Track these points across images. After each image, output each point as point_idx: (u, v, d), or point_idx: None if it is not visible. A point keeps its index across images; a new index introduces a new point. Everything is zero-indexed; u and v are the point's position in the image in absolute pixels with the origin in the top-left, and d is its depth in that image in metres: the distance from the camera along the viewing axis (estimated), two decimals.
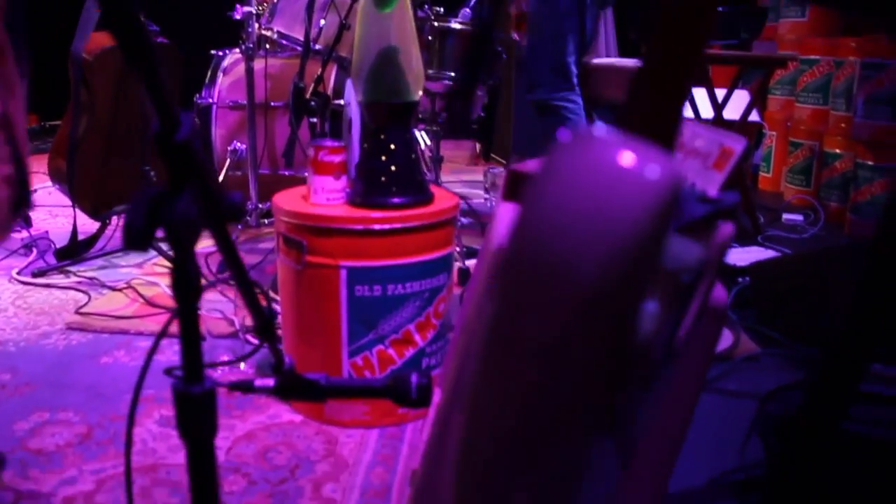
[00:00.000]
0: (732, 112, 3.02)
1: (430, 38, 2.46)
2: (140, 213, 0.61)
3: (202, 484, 0.68)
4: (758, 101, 3.20)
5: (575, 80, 2.58)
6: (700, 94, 3.00)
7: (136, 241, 0.61)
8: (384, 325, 1.43)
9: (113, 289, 2.20)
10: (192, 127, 0.59)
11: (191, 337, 0.65)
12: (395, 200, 1.43)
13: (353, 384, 1.10)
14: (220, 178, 2.68)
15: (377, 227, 1.38)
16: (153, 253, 2.46)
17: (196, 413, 0.66)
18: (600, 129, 0.30)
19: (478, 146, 4.42)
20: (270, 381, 1.05)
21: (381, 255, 1.39)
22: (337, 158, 1.46)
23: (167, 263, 2.38)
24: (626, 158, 0.29)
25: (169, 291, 2.13)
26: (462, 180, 3.78)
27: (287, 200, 1.48)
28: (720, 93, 2.99)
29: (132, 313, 2.02)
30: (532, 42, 2.60)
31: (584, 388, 0.30)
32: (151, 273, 2.33)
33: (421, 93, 1.48)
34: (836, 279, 1.87)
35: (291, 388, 1.02)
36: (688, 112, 3.34)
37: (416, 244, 1.42)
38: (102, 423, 1.48)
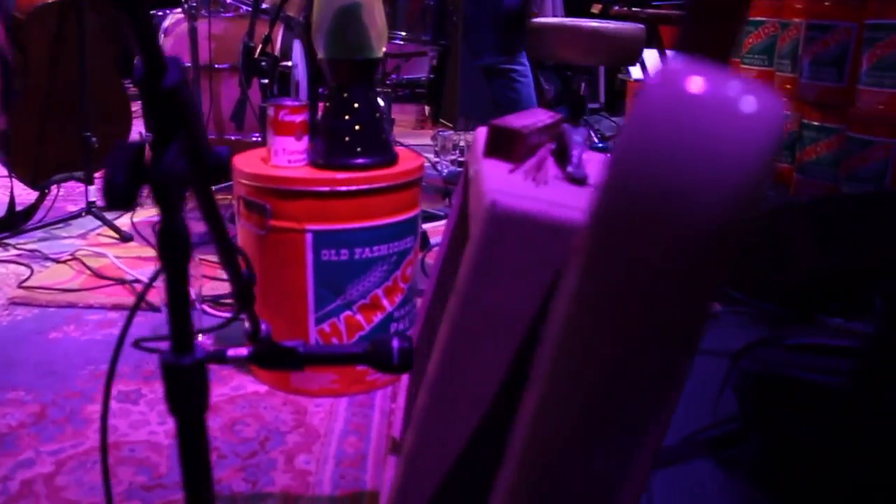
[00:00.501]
0: None
1: None
2: (121, 168, 0.56)
3: (194, 461, 0.63)
4: None
5: (520, 43, 2.55)
6: (651, 55, 3.00)
7: (119, 199, 0.56)
8: (352, 290, 1.38)
9: (56, 261, 2.10)
10: (180, 73, 0.54)
11: (179, 305, 0.60)
12: (360, 161, 1.38)
13: (333, 351, 1.06)
14: None
15: (344, 188, 1.33)
16: (97, 223, 2.36)
17: (187, 386, 0.61)
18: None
19: (426, 109, 4.37)
20: (244, 351, 1.00)
21: (348, 218, 1.35)
22: (298, 118, 1.40)
23: (112, 233, 2.28)
24: (742, 95, 0.26)
25: (117, 262, 2.05)
26: (409, 143, 3.72)
27: (247, 163, 1.42)
28: (670, 55, 2.99)
29: (79, 286, 1.93)
30: (472, 7, 2.55)
31: (687, 334, 0.28)
32: (97, 244, 2.23)
33: (384, 49, 1.43)
34: (791, 235, 1.90)
35: (268, 356, 0.98)
36: (638, 73, 3.34)
37: (384, 206, 1.38)
38: (57, 401, 1.41)
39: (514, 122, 1.01)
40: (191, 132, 0.57)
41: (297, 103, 1.40)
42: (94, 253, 2.13)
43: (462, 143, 3.39)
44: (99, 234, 2.33)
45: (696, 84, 0.25)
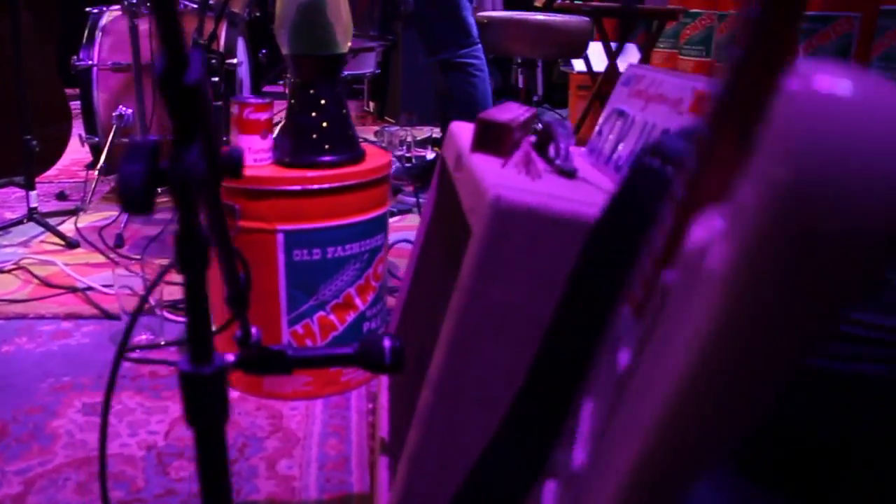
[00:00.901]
0: (622, 65, 3.07)
1: None
2: (137, 169, 0.53)
3: (214, 474, 0.61)
4: (646, 55, 3.26)
5: (476, 35, 2.54)
6: (596, 47, 3.02)
7: (137, 203, 0.53)
8: (324, 290, 1.36)
9: (1, 271, 2.02)
10: (202, 68, 0.51)
11: (198, 312, 0.57)
12: (329, 158, 1.36)
13: (321, 354, 1.03)
14: (107, 146, 2.50)
15: (315, 186, 1.30)
16: (39, 229, 2.27)
17: (207, 396, 0.58)
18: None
19: (367, 104, 4.33)
20: (231, 357, 0.97)
21: (320, 217, 1.32)
22: (263, 116, 1.36)
23: (58, 240, 2.20)
24: None
25: (67, 269, 1.98)
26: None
27: None
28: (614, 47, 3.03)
29: (28, 296, 1.85)
30: (422, 2, 2.52)
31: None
32: (42, 251, 2.15)
33: (350, 44, 1.40)
34: None
35: (257, 361, 0.95)
36: (580, 66, 3.37)
37: (355, 204, 1.36)
38: (18, 417, 1.35)
39: (500, 116, 1.00)
40: (207, 131, 0.55)
41: (262, 101, 1.37)
42: (41, 261, 2.05)
43: (409, 139, 3.38)
44: (43, 242, 2.24)
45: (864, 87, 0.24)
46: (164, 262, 2.00)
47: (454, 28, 2.48)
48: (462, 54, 2.48)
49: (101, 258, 2.09)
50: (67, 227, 2.31)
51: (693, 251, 0.34)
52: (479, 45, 2.53)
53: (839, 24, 2.52)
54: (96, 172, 2.52)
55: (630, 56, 3.17)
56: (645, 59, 3.25)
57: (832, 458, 1.10)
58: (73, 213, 2.49)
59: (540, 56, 3.55)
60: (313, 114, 1.37)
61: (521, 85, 4.17)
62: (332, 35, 1.35)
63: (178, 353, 1.59)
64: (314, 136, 1.37)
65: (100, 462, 0.69)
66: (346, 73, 3.35)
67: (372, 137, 3.49)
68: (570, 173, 0.95)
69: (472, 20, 2.52)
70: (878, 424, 1.05)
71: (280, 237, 1.31)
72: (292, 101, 1.40)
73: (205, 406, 0.58)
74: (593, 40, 2.88)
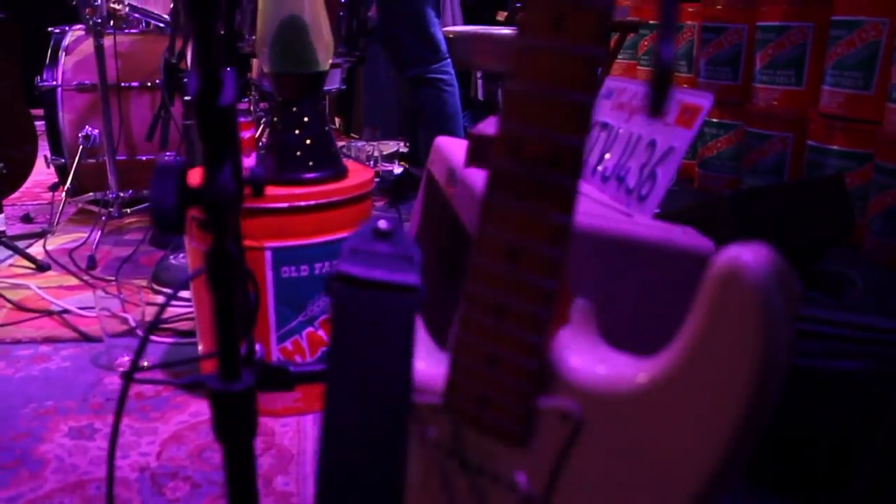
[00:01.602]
0: None
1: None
2: (169, 190, 0.54)
3: (242, 490, 0.61)
4: (606, 67, 3.33)
5: (445, 50, 2.56)
6: None
7: (169, 223, 0.55)
8: (312, 306, 1.37)
9: None
10: (236, 90, 0.52)
11: (227, 329, 0.58)
12: (314, 175, 1.37)
13: (322, 369, 1.04)
14: (73, 166, 2.47)
15: (302, 203, 1.31)
16: (7, 252, 2.24)
17: (237, 413, 0.59)
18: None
19: (336, 121, 4.33)
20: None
21: (307, 233, 1.33)
22: (247, 134, 1.37)
23: (28, 264, 2.16)
24: None
25: (41, 293, 1.95)
26: None
27: (195, 180, 1.38)
28: None
29: (2, 320, 1.82)
30: (389, 21, 2.54)
31: None
32: (12, 275, 2.11)
33: (331, 61, 1.42)
34: (717, 231, 1.98)
35: (263, 379, 0.96)
36: None
37: (340, 219, 1.37)
38: (3, 443, 1.33)
39: (491, 130, 1.02)
40: (237, 152, 0.56)
41: (246, 119, 1.37)
42: (12, 285, 2.02)
43: (376, 154, 3.39)
44: (12, 265, 2.21)
45: None
46: (142, 283, 1.99)
47: (424, 45, 2.51)
48: (433, 69, 2.51)
49: (74, 280, 2.06)
50: (36, 250, 2.28)
51: None
52: (449, 60, 2.56)
53: (793, 35, 2.60)
54: (63, 194, 2.49)
55: None
56: (605, 70, 3.31)
57: (816, 450, 1.13)
58: (41, 235, 2.45)
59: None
60: (297, 131, 1.38)
61: (481, 97, 4.22)
62: (314, 53, 1.36)
63: (167, 376, 1.58)
64: (298, 153, 1.38)
65: (107, 487, 0.69)
66: None
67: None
68: None
69: (440, 36, 2.55)
70: (859, 416, 1.09)
71: (268, 254, 1.32)
72: (275, 118, 1.41)
73: (235, 422, 0.59)
74: None
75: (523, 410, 0.52)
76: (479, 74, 4.01)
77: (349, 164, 1.50)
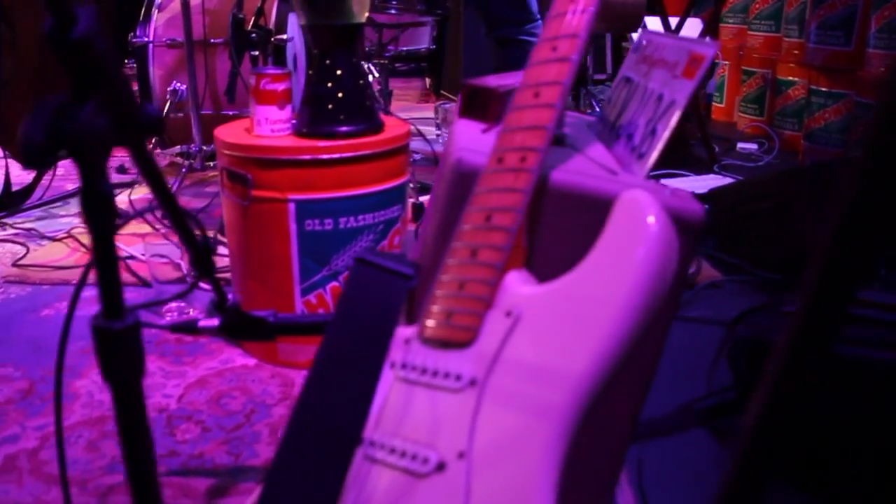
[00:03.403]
0: None
1: None
2: (39, 126, 0.53)
3: (131, 428, 0.61)
4: (710, 30, 3.15)
5: (536, 11, 2.49)
6: (653, 21, 2.94)
7: (35, 157, 0.54)
8: (337, 260, 1.36)
9: (52, 239, 2.10)
10: (91, 22, 0.51)
11: (108, 268, 0.57)
12: (344, 129, 1.35)
13: (304, 320, 1.04)
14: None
15: (326, 156, 1.31)
16: None
17: (118, 351, 0.59)
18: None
19: (428, 82, 4.32)
20: (215, 322, 0.99)
21: (331, 187, 1.32)
22: (280, 86, 1.37)
23: None
24: None
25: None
26: (412, 117, 3.69)
27: (229, 133, 1.40)
28: (673, 21, 2.93)
29: (73, 263, 1.92)
30: None
31: None
32: None
33: (367, 14, 1.39)
34: (796, 201, 1.85)
35: (238, 327, 0.96)
36: None
37: (368, 174, 1.35)
38: (46, 377, 1.41)
39: (491, 81, 0.98)
40: (113, 88, 0.54)
41: (279, 71, 1.37)
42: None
43: None
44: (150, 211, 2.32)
45: None
46: (209, 233, 2.05)
47: (515, 5, 2.44)
48: (523, 31, 2.44)
49: (147, 229, 2.15)
50: (121, 199, 2.38)
51: None
52: (540, 22, 2.49)
53: None
54: (150, 146, 2.59)
55: (692, 31, 3.07)
56: (711, 33, 3.14)
57: (834, 439, 1.04)
58: (130, 185, 2.56)
59: (595, 30, 3.48)
60: (329, 84, 1.37)
61: (588, 64, 4.09)
62: (348, 4, 1.34)
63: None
64: (329, 106, 1.37)
65: (56, 426, 0.71)
66: (402, 48, 3.35)
67: (431, 115, 3.49)
68: (558, 140, 0.92)
69: None
70: (882, 409, 0.99)
71: (291, 207, 1.32)
72: (310, 71, 1.41)
73: (118, 362, 0.58)
74: (650, 14, 2.80)
75: (479, 315, 0.65)
76: None
77: (388, 120, 1.48)
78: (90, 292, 1.83)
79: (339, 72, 1.38)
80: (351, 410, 0.67)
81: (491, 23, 2.52)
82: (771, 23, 3.38)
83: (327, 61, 1.37)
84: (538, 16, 2.51)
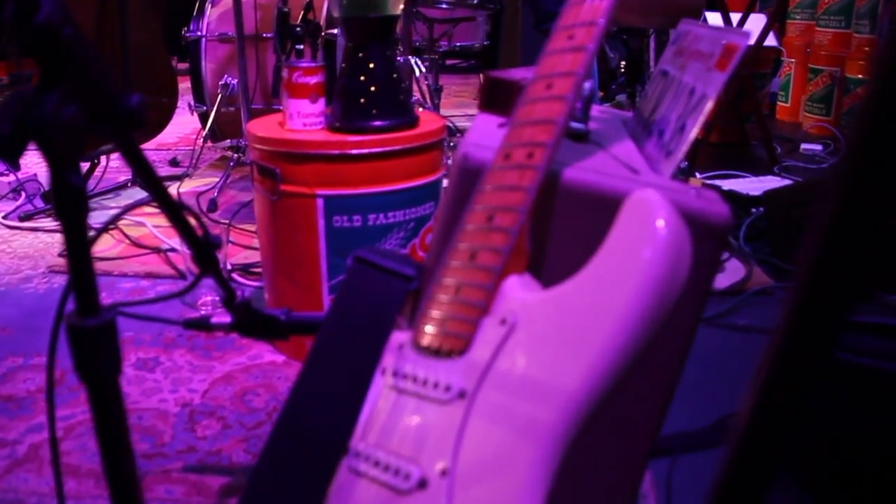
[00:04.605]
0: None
1: None
2: (7, 116, 0.51)
3: (108, 428, 0.59)
4: (775, 26, 3.03)
5: None
6: (714, 17, 2.84)
7: (2, 148, 0.51)
8: None
9: (98, 230, 2.12)
10: (57, 8, 0.48)
11: (80, 263, 0.55)
12: (376, 123, 1.32)
13: (317, 319, 1.01)
14: (212, 114, 2.57)
15: (355, 151, 1.28)
16: (144, 193, 2.38)
17: (93, 349, 0.56)
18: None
19: (481, 77, 4.27)
20: (228, 318, 0.96)
21: (361, 183, 1.29)
22: (312, 80, 1.35)
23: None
24: None
25: (155, 231, 2.06)
26: (469, 114, 3.65)
27: (261, 127, 1.38)
28: (735, 17, 2.83)
29: (117, 254, 1.94)
30: None
31: None
32: (140, 213, 2.24)
33: (402, 6, 1.36)
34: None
35: (250, 325, 0.94)
36: None
37: (399, 170, 1.32)
38: None
39: (514, 73, 0.93)
40: (85, 76, 0.52)
41: (311, 64, 1.35)
42: (135, 222, 2.14)
43: None
44: (146, 204, 2.34)
45: None
46: (252, 227, 2.05)
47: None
48: None
49: (192, 221, 2.15)
50: (172, 192, 2.40)
51: None
52: None
53: None
54: (201, 140, 2.61)
55: (756, 27, 2.95)
56: (777, 29, 3.02)
57: (854, 452, 0.97)
58: (180, 178, 2.59)
59: (653, 25, 3.37)
60: (362, 78, 1.34)
61: (651, 58, 3.99)
62: None
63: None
64: (361, 100, 1.34)
65: (48, 426, 0.69)
66: (455, 44, 3.31)
67: None
68: (579, 136, 0.88)
69: None
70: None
71: (320, 202, 1.29)
72: (343, 64, 1.38)
73: (92, 359, 0.56)
74: (710, 9, 2.70)
75: (473, 322, 0.61)
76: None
77: (423, 114, 1.44)
78: (128, 284, 1.83)
79: (371, 65, 1.34)
80: (338, 417, 0.64)
81: (540, 16, 2.47)
82: (841, 18, 3.24)
83: (360, 54, 1.34)
84: None
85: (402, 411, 0.61)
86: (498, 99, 0.90)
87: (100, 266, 1.87)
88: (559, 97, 0.69)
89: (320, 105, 1.37)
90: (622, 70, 3.61)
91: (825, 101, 3.30)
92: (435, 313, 0.63)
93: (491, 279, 0.61)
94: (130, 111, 0.57)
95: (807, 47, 3.47)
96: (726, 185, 2.38)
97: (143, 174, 0.67)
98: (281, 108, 2.53)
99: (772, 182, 2.44)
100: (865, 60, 3.05)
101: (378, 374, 0.65)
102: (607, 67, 3.51)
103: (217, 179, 2.49)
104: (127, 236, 2.05)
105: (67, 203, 0.53)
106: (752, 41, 2.84)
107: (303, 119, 1.35)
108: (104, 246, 2.01)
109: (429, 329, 0.63)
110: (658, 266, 0.56)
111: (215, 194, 2.30)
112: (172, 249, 1.93)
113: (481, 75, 0.92)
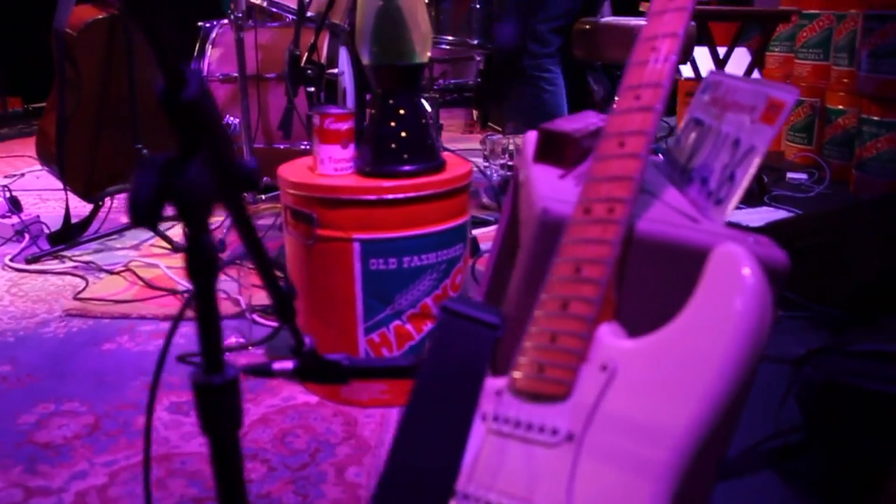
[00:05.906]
0: (733, 70, 2.95)
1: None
2: (146, 183, 0.54)
3: (228, 481, 0.62)
4: (757, 59, 3.13)
5: (551, 48, 2.55)
6: (701, 52, 2.93)
7: (143, 215, 0.54)
8: (401, 299, 1.37)
9: (111, 272, 2.13)
10: (201, 84, 0.52)
11: (209, 322, 0.58)
12: (408, 168, 1.37)
13: (378, 364, 1.04)
14: None
15: (390, 196, 1.32)
16: (149, 233, 2.39)
17: (218, 405, 0.59)
18: None
19: (474, 113, 4.34)
20: (289, 364, 0.99)
21: (396, 227, 1.33)
22: (344, 126, 1.39)
23: (165, 244, 2.30)
24: None
25: (169, 273, 2.07)
26: (458, 148, 3.70)
27: (293, 172, 1.41)
28: (721, 51, 2.92)
29: (132, 297, 1.95)
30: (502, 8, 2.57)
31: None
32: (149, 255, 2.26)
33: (429, 54, 1.41)
34: (853, 236, 1.83)
35: (312, 370, 0.97)
36: (688, 71, 3.27)
37: (432, 213, 1.36)
38: (110, 412, 1.42)
39: (565, 125, 0.98)
40: (216, 145, 0.55)
41: (342, 111, 1.39)
42: (147, 264, 2.15)
43: (511, 147, 3.36)
44: (152, 245, 2.36)
45: None
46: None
47: (530, 36, 2.51)
48: (531, 65, 2.51)
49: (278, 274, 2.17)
50: (175, 232, 2.41)
51: None
52: (556, 59, 2.57)
53: None
54: None
55: (741, 61, 3.05)
56: (758, 63, 3.12)
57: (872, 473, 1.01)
58: None
59: None
60: (392, 123, 1.39)
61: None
62: (411, 44, 1.36)
63: (265, 355, 1.63)
64: (392, 145, 1.38)
65: (144, 466, 0.72)
66: (451, 81, 3.37)
67: (476, 145, 3.50)
68: None
69: (548, 34, 2.56)
70: None
71: (356, 246, 1.33)
72: (372, 111, 1.42)
73: (217, 415, 0.59)
74: (698, 45, 2.79)
75: (573, 369, 0.65)
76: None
77: (449, 157, 1.49)
78: (148, 326, 1.85)
79: (401, 111, 1.39)
80: (443, 461, 0.67)
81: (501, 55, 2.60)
82: (819, 51, 3.35)
83: (390, 101, 1.39)
84: (553, 50, 2.59)
85: (507, 454, 0.65)
86: (552, 151, 0.95)
87: (117, 309, 1.88)
88: (634, 154, 0.73)
89: (350, 150, 1.41)
90: (607, 103, 3.69)
91: (807, 130, 3.41)
92: (531, 360, 0.67)
93: (586, 328, 0.66)
94: (250, 174, 0.60)
95: (787, 79, 3.58)
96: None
97: (245, 231, 0.70)
98: (283, 147, 2.58)
99: (765, 213, 2.52)
100: (845, 91, 3.15)
101: (477, 419, 0.68)
102: (592, 101, 3.60)
103: (223, 219, 2.51)
104: (140, 278, 2.06)
105: (201, 263, 0.57)
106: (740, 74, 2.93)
107: (334, 164, 1.39)
108: (118, 288, 2.02)
109: (527, 375, 0.66)
110: (751, 313, 0.60)
111: (224, 234, 2.31)
112: (188, 291, 1.94)
113: (539, 128, 0.97)
